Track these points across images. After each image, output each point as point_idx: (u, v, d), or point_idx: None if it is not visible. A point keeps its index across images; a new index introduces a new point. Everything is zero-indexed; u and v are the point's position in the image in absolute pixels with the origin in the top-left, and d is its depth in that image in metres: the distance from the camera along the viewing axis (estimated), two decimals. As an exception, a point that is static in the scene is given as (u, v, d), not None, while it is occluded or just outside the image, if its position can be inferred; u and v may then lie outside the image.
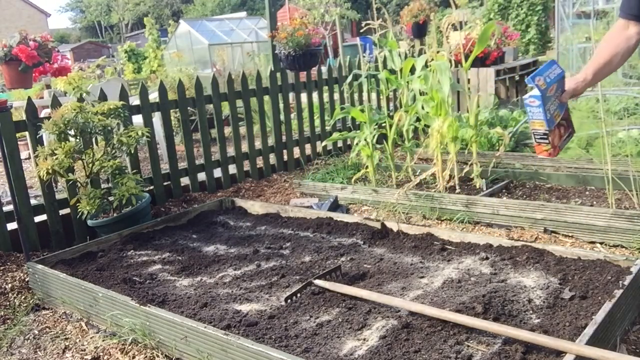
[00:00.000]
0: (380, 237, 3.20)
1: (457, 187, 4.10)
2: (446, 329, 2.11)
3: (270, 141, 5.25)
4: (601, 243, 3.08)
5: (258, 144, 5.20)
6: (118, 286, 2.74)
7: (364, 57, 5.04)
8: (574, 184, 3.99)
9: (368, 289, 2.49)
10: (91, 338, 2.52)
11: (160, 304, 2.51)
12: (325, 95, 5.70)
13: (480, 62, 6.87)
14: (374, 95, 6.36)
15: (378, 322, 2.23)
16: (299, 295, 2.52)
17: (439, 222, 3.71)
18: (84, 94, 4.74)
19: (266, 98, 5.27)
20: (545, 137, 2.04)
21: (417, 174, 4.37)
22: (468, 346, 2.00)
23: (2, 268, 3.23)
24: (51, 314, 2.82)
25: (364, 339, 2.12)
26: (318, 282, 2.54)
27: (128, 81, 9.32)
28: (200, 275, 2.92)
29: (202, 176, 4.66)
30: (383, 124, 4.62)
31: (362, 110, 4.55)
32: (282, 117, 5.31)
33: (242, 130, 5.22)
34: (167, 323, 2.27)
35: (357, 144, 4.48)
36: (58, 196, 3.74)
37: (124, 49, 14.89)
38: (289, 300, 2.47)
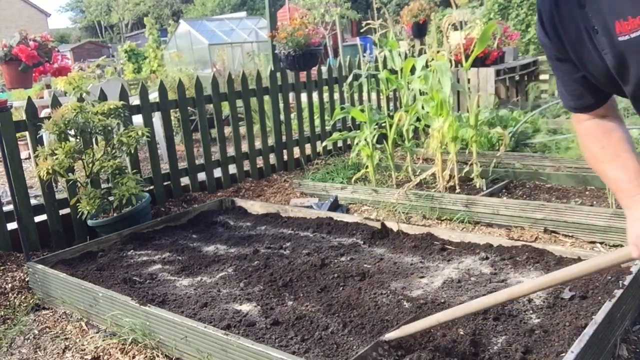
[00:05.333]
0: (380, 237, 3.20)
1: (457, 187, 4.10)
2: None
3: (270, 141, 5.25)
4: (601, 243, 3.08)
5: (258, 143, 5.20)
6: (118, 286, 2.74)
7: (364, 57, 5.04)
8: (574, 184, 3.99)
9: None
10: (91, 338, 2.52)
11: (160, 304, 2.51)
12: (325, 95, 5.69)
13: (480, 62, 6.86)
14: (374, 95, 6.36)
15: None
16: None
17: (439, 222, 3.71)
18: (84, 94, 4.73)
19: (266, 98, 5.27)
20: None
21: (417, 173, 4.37)
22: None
23: (2, 268, 3.23)
24: (51, 314, 2.82)
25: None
26: (390, 335, 2.02)
27: (128, 81, 9.32)
28: (200, 275, 2.92)
29: (202, 176, 4.66)
30: (383, 124, 4.62)
31: (362, 110, 4.55)
32: (282, 117, 5.31)
33: (242, 130, 5.22)
34: (167, 323, 2.27)
35: (357, 144, 4.48)
36: (58, 196, 3.74)
37: (124, 49, 14.87)
38: None
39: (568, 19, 1.22)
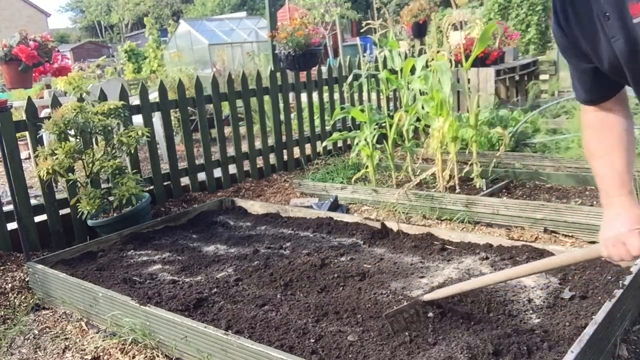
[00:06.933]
0: (380, 237, 3.20)
1: (457, 187, 4.10)
2: (446, 329, 2.11)
3: (270, 141, 5.25)
4: (601, 243, 3.07)
5: (258, 143, 5.20)
6: (118, 286, 2.74)
7: (364, 57, 5.03)
8: (574, 184, 3.99)
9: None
10: (91, 338, 2.52)
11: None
12: (325, 95, 5.69)
13: (480, 61, 6.86)
14: (374, 95, 6.36)
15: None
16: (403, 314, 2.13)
17: (439, 222, 3.71)
18: (84, 94, 4.73)
19: (266, 98, 5.27)
20: None
21: (417, 173, 4.37)
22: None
23: (2, 268, 3.23)
24: (51, 314, 2.82)
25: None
26: (426, 297, 2.17)
27: (128, 81, 9.32)
28: (200, 275, 2.92)
29: (202, 176, 4.66)
30: (383, 124, 4.62)
31: (362, 110, 4.55)
32: (282, 117, 5.31)
33: (242, 130, 5.22)
34: (167, 323, 2.27)
35: (357, 144, 4.48)
36: (58, 196, 3.74)
37: (124, 49, 14.86)
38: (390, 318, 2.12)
39: (582, 8, 1.22)
